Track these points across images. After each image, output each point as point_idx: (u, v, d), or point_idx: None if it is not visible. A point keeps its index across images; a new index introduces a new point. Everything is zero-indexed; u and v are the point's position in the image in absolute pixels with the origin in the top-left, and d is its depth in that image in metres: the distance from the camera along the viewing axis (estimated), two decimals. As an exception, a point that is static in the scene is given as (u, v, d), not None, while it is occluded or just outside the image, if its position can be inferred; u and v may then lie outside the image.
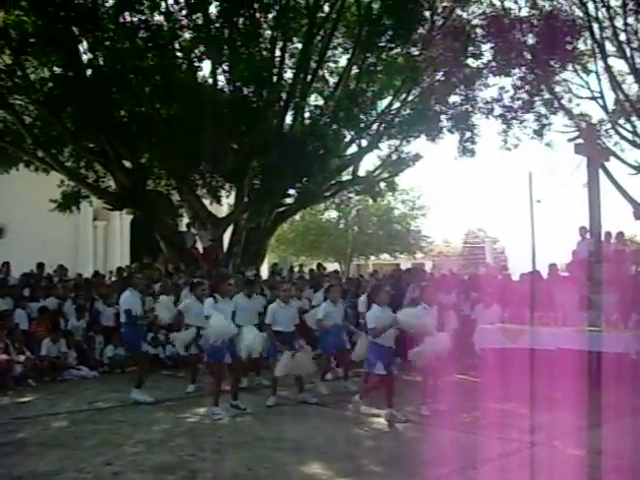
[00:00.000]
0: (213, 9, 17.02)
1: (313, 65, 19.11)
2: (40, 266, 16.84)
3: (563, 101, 21.40)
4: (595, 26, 19.50)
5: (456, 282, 16.19)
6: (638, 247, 24.02)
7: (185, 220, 20.90)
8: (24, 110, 17.72)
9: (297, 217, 33.89)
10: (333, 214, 40.39)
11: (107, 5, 16.77)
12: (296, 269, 21.65)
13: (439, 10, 20.22)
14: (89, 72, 16.95)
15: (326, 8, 19.06)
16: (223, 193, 19.48)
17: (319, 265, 20.85)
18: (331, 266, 28.48)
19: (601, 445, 7.50)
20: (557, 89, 21.26)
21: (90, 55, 17.05)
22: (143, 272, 14.52)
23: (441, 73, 20.93)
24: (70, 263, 19.55)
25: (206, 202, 19.39)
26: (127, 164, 18.34)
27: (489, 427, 8.31)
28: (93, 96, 15.80)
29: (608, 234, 15.33)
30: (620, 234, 15.92)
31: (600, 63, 20.21)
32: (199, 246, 19.39)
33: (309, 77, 19.10)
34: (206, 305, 9.54)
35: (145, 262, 18.82)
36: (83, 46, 16.96)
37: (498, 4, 20.12)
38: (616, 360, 9.82)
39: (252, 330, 10.19)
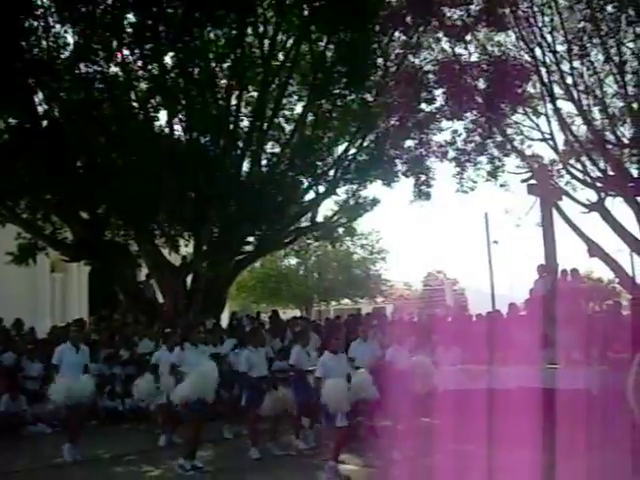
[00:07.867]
0: (168, 59, 17.17)
1: (269, 113, 19.26)
2: (-2, 321, 16.54)
3: (515, 143, 21.71)
4: (543, 70, 19.96)
5: (415, 325, 16.21)
6: (594, 284, 24.36)
7: (144, 270, 20.70)
8: (-22, 162, 17.52)
9: (257, 264, 33.77)
10: (293, 260, 40.34)
11: (63, 57, 16.82)
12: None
13: (392, 57, 20.53)
14: (45, 123, 16.90)
15: (280, 57, 19.31)
16: (182, 242, 19.39)
17: (275, 312, 20.49)
18: (292, 313, 28.27)
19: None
20: (509, 131, 21.60)
21: (46, 106, 17.02)
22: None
23: (395, 118, 21.15)
24: (27, 316, 19.09)
25: (165, 252, 19.25)
26: (84, 215, 18.19)
27: (449, 470, 8.29)
28: (49, 147, 15.73)
29: (564, 272, 15.54)
30: (575, 271, 16.14)
31: (549, 105, 20.61)
32: (158, 296, 19.22)
33: (265, 125, 19.24)
34: (173, 355, 9.64)
35: (102, 314, 18.59)
36: (39, 97, 16.94)
37: (449, 50, 20.52)
38: (576, 396, 9.90)
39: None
